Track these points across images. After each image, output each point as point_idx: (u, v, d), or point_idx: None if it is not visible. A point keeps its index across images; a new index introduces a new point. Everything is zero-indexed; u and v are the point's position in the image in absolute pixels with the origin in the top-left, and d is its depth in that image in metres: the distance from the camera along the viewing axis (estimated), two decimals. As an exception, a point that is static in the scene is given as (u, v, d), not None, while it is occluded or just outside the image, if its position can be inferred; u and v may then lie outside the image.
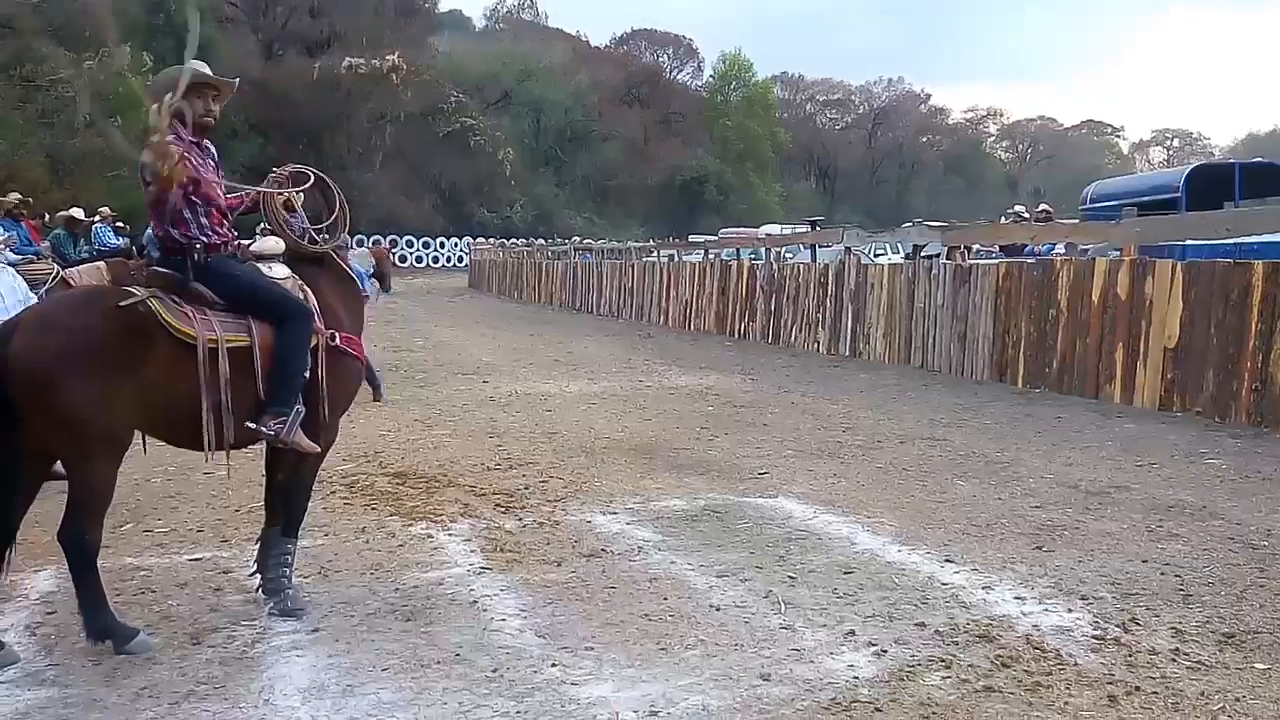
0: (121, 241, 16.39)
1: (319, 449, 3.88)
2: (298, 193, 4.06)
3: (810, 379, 11.06)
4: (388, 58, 45.91)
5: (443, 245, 50.47)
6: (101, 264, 7.73)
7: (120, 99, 28.87)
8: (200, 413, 3.54)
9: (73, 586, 3.49)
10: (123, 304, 3.45)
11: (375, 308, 6.83)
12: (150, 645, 3.50)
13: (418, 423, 8.22)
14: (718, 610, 3.90)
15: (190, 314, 3.57)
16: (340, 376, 3.97)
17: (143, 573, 4.36)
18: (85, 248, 13.14)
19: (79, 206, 13.27)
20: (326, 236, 4.11)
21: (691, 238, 29.51)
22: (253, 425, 3.67)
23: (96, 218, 16.72)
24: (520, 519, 5.25)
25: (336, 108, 47.37)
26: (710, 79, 74.15)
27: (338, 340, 3.92)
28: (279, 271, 3.90)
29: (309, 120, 46.76)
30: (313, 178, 4.11)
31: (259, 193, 4.02)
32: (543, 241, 40.09)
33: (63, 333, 3.35)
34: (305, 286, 3.91)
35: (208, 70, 3.81)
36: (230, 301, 3.71)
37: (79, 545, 3.41)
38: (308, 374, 3.80)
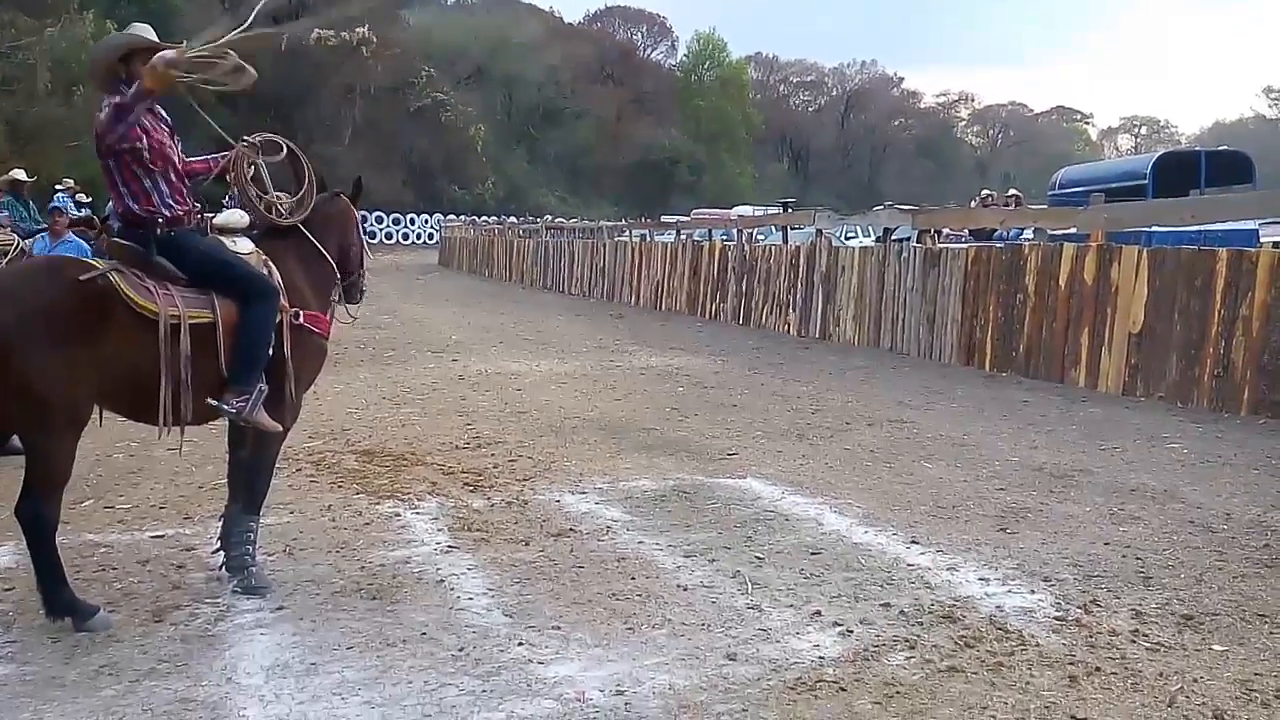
0: (83, 213, 16.09)
1: (281, 427, 3.83)
2: (267, 161, 3.98)
3: (780, 360, 11.09)
4: (358, 30, 45.15)
5: (413, 221, 49.99)
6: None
7: (83, 67, 28.29)
8: (159, 388, 3.48)
9: (31, 563, 3.43)
10: (83, 277, 3.38)
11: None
12: (110, 622, 3.46)
13: (386, 401, 8.16)
14: (685, 590, 3.91)
15: (152, 289, 3.51)
16: (304, 354, 3.91)
17: (104, 549, 4.30)
18: (39, 218, 12.83)
19: (21, 168, 12.89)
20: (295, 208, 4.04)
21: (664, 218, 29.44)
22: (215, 403, 3.62)
23: (58, 188, 16.40)
24: (488, 498, 5.23)
25: (305, 80, 46.63)
26: (684, 58, 73.93)
27: (301, 318, 3.86)
28: (243, 246, 3.83)
29: (277, 92, 45.91)
30: (284, 148, 4.03)
31: (227, 159, 3.94)
32: (514, 219, 39.83)
33: (22, 304, 3.28)
34: (270, 261, 3.85)
35: (153, 35, 3.73)
36: (193, 276, 3.65)
37: (36, 521, 3.36)
38: (271, 351, 3.75)
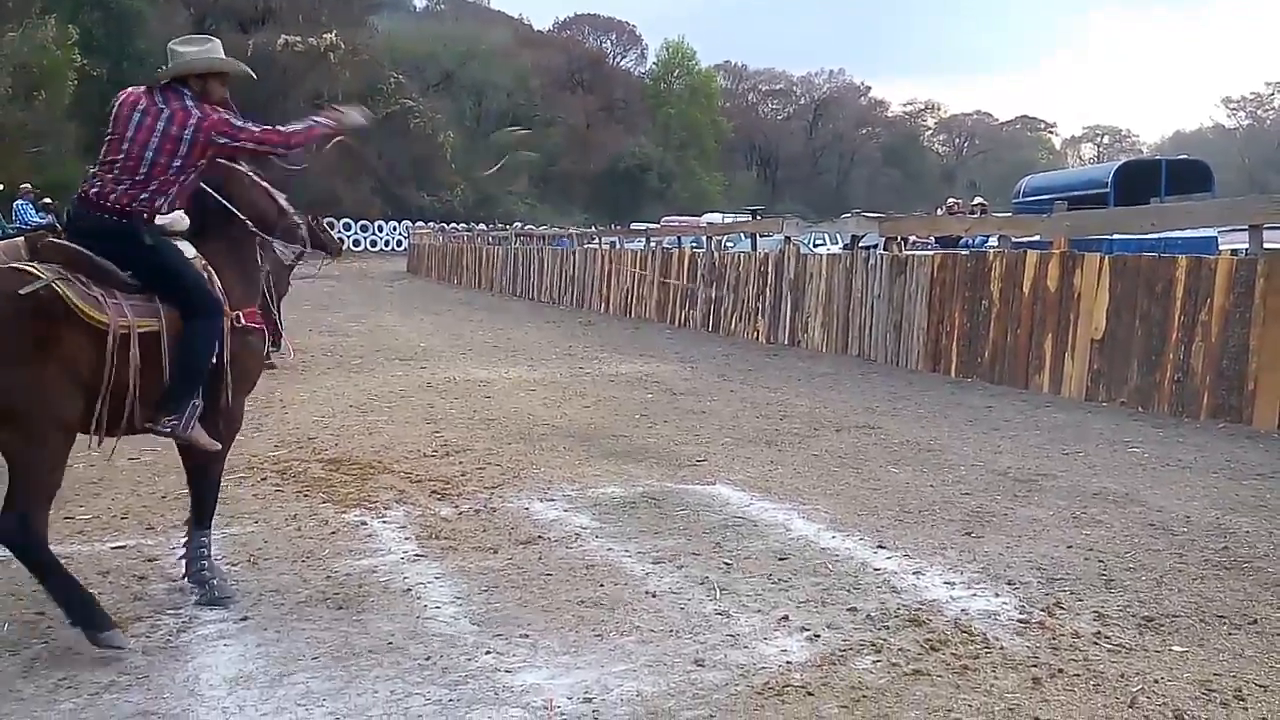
0: (45, 218, 15.88)
1: (218, 446, 3.72)
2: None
3: (749, 367, 11.13)
4: (325, 36, 45.02)
5: (381, 229, 49.70)
6: (20, 240, 7.45)
7: (44, 71, 27.94)
8: (105, 398, 3.38)
9: (43, 585, 3.31)
10: (24, 291, 3.20)
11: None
12: (122, 642, 3.30)
13: (353, 409, 8.10)
14: (653, 597, 3.91)
15: (100, 297, 3.37)
16: (244, 358, 3.83)
17: (64, 561, 4.19)
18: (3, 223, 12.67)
19: None
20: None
21: (633, 225, 29.49)
22: (149, 425, 3.53)
23: (18, 194, 16.19)
24: (456, 506, 5.20)
25: (272, 86, 46.12)
26: (653, 66, 74.26)
27: (242, 320, 3.80)
28: (186, 251, 3.75)
29: (243, 99, 44.22)
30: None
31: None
32: (483, 226, 39.70)
33: None
34: (209, 267, 3.76)
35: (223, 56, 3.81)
36: (146, 279, 3.52)
37: (24, 533, 3.23)
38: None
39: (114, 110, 3.63)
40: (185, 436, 3.59)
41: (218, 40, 3.85)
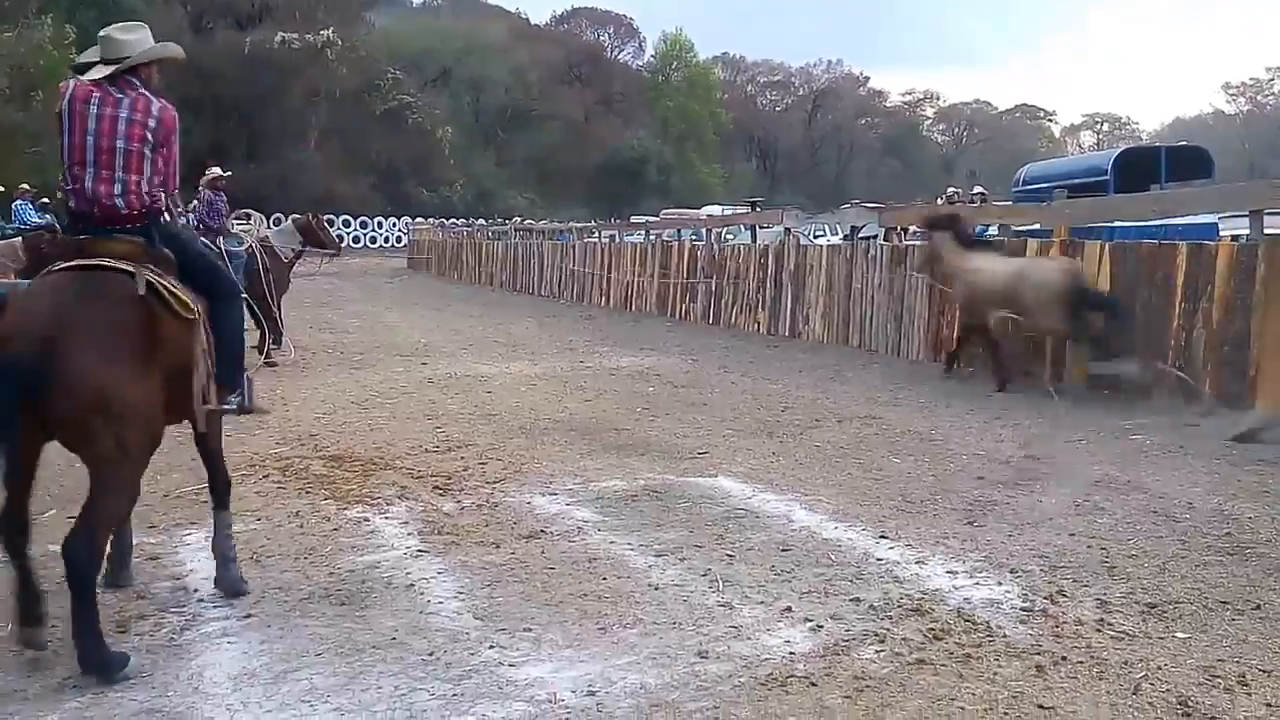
0: (45, 218, 15.87)
1: (268, 410, 3.89)
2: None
3: (750, 359, 11.12)
4: (322, 33, 44.99)
5: (380, 225, 49.65)
6: (18, 241, 7.46)
7: (41, 71, 27.89)
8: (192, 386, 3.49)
9: (72, 611, 3.13)
10: (142, 292, 3.27)
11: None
12: (138, 666, 3.20)
13: (354, 405, 8.10)
14: (656, 589, 3.92)
15: (179, 285, 3.45)
16: None
17: (66, 560, 4.23)
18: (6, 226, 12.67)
19: None
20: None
21: (633, 218, 29.46)
22: (212, 406, 3.62)
23: (16, 195, 16.19)
24: (458, 501, 5.21)
25: (269, 84, 46.23)
26: (651, 59, 74.04)
27: None
28: None
29: (241, 97, 45.57)
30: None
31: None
32: (483, 222, 39.66)
33: (107, 344, 3.16)
34: None
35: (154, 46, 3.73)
36: (184, 269, 3.58)
37: (91, 561, 3.17)
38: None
39: (64, 108, 3.47)
40: (252, 408, 3.77)
41: (147, 26, 3.78)
